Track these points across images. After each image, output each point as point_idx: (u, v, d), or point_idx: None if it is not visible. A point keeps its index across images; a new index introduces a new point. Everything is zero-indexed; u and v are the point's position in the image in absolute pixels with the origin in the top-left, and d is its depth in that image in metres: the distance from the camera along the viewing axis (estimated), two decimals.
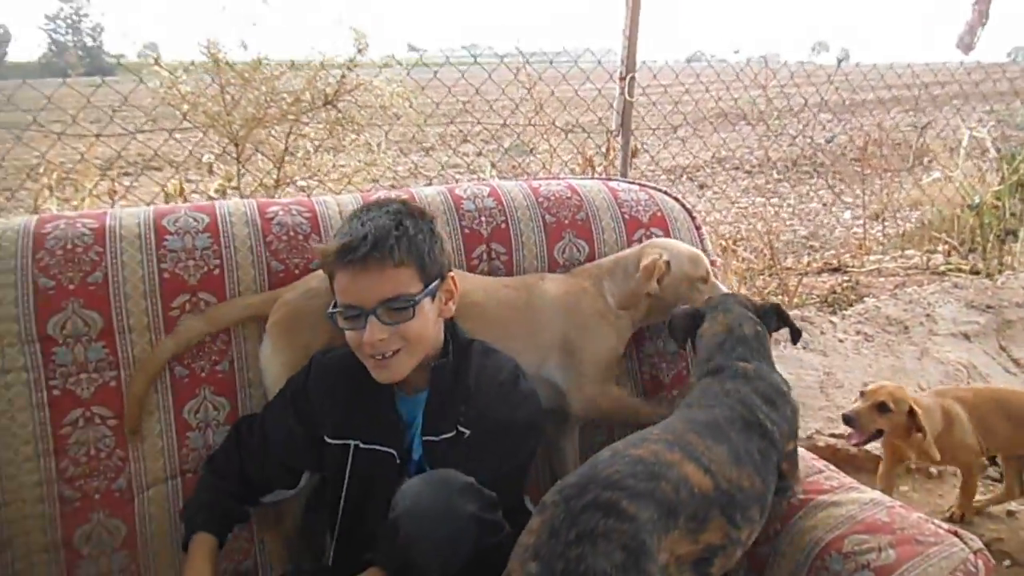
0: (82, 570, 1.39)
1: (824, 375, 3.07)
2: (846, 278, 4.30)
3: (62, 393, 1.39)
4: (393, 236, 1.22)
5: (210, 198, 3.14)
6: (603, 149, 3.63)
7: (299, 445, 1.35)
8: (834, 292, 4.04)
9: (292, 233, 1.55)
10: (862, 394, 2.11)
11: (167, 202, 3.09)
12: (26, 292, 1.38)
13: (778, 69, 4.98)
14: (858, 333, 3.45)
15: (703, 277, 1.60)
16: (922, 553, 1.17)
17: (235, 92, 2.85)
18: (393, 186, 3.78)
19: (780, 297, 3.89)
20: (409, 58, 3.61)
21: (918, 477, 2.60)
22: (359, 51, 2.93)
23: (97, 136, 2.81)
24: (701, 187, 6.99)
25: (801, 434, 2.14)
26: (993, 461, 2.54)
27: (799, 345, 3.31)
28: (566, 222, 1.72)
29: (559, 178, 1.89)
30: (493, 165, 4.11)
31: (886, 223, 5.16)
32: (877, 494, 1.35)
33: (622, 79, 3.31)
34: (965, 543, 1.20)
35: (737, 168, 7.63)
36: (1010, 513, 2.39)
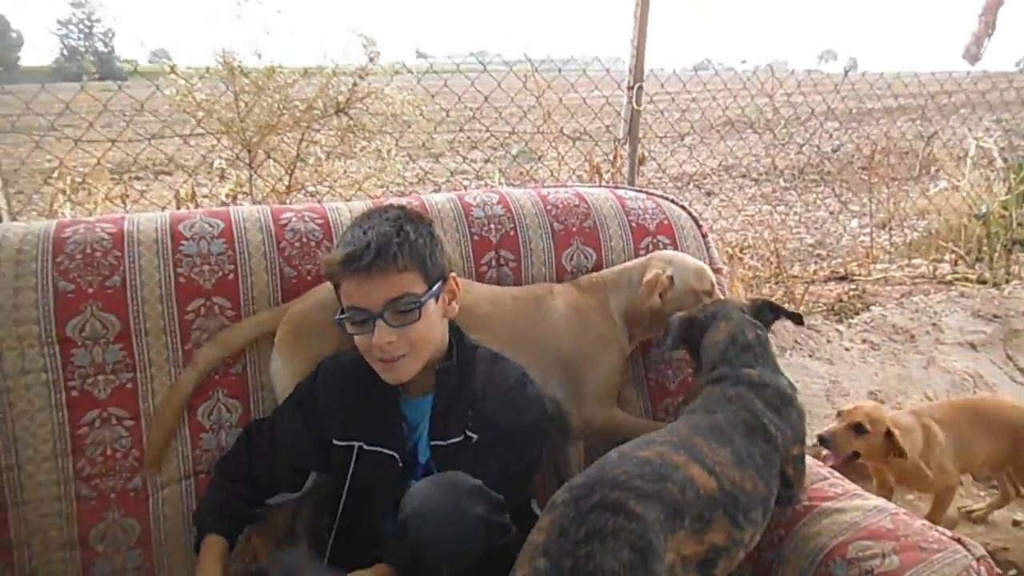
0: (97, 568, 1.42)
1: (830, 383, 3.08)
2: (852, 287, 4.31)
3: (80, 394, 1.43)
4: (395, 243, 1.25)
5: (222, 203, 3.18)
6: (610, 157, 3.66)
7: (307, 448, 1.38)
8: (840, 300, 4.05)
9: (304, 240, 1.58)
10: (839, 414, 2.04)
11: (179, 206, 3.13)
12: (46, 295, 1.41)
13: (785, 78, 4.99)
14: (864, 342, 3.46)
15: (708, 291, 1.61)
16: (925, 560, 1.18)
17: (249, 99, 2.89)
18: (402, 192, 3.81)
19: (786, 305, 3.89)
20: (417, 65, 3.65)
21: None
22: (371, 59, 2.97)
23: (113, 142, 2.85)
24: (708, 195, 7.01)
25: (807, 441, 2.13)
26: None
27: (805, 353, 3.33)
28: (574, 229, 1.74)
29: (567, 186, 1.92)
30: (502, 172, 4.14)
31: (893, 232, 5.16)
32: (881, 501, 1.36)
33: (630, 88, 3.34)
34: (968, 550, 1.21)
35: (744, 176, 7.64)
36: (1016, 523, 2.39)
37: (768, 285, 4.08)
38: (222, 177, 3.34)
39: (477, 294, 1.55)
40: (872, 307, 3.89)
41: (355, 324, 1.28)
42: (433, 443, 1.32)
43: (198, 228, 1.55)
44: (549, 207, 1.76)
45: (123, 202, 3.21)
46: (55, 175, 3.01)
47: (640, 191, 1.93)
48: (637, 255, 1.73)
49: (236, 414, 1.50)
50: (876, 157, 5.24)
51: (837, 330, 3.57)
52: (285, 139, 3.10)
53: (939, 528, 1.27)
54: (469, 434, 1.31)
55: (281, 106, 2.94)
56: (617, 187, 1.95)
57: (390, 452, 1.32)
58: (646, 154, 3.91)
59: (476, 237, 1.68)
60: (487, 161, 4.21)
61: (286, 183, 3.10)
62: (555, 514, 1.04)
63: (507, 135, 3.78)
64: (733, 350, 1.35)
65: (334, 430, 1.35)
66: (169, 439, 1.46)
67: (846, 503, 1.34)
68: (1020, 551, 2.25)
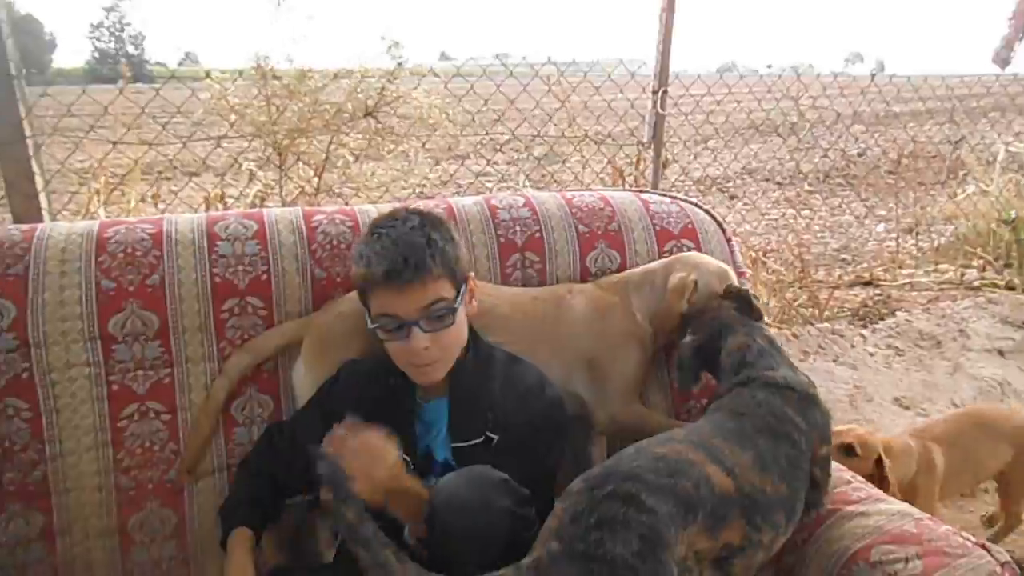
0: (135, 555, 1.47)
1: (854, 388, 3.06)
2: (878, 292, 4.27)
3: (120, 388, 1.48)
4: (427, 253, 1.27)
5: (251, 205, 3.24)
6: (633, 160, 3.67)
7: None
8: (865, 306, 4.01)
9: (335, 242, 1.62)
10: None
11: (208, 207, 3.20)
12: (89, 293, 1.47)
13: (811, 82, 4.96)
14: (889, 347, 3.43)
15: None
16: (949, 564, 1.17)
17: (280, 103, 2.95)
18: (426, 195, 3.86)
19: (810, 310, 3.87)
20: (443, 67, 3.69)
21: None
22: (398, 64, 3.02)
23: (150, 145, 2.93)
24: (731, 198, 6.97)
25: None
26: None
27: (829, 358, 3.31)
28: (599, 232, 1.76)
29: (591, 189, 1.94)
30: (527, 176, 4.17)
31: (919, 237, 5.10)
32: (905, 506, 1.36)
33: (654, 92, 3.35)
34: (992, 556, 1.20)
35: (768, 180, 7.59)
36: None
37: (792, 289, 4.06)
38: (251, 179, 3.41)
39: (496, 295, 1.58)
40: (897, 312, 3.85)
41: (388, 332, 1.30)
42: (454, 444, 1.34)
43: (233, 229, 1.59)
44: (574, 210, 1.78)
45: (155, 203, 3.29)
46: (90, 176, 3.10)
47: (664, 195, 1.94)
48: (661, 258, 1.74)
49: (268, 409, 1.55)
50: (903, 161, 5.19)
51: (861, 335, 3.55)
52: (315, 142, 3.16)
53: (963, 533, 1.26)
54: (490, 435, 1.33)
55: (311, 109, 3.00)
56: (641, 191, 1.96)
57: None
58: (669, 157, 3.91)
59: (502, 239, 1.71)
60: (510, 163, 4.23)
61: (315, 185, 3.16)
62: (569, 502, 1.07)
63: (532, 138, 3.80)
64: (750, 356, 1.37)
65: None
66: (206, 447, 1.51)
67: (869, 507, 1.34)
68: None
